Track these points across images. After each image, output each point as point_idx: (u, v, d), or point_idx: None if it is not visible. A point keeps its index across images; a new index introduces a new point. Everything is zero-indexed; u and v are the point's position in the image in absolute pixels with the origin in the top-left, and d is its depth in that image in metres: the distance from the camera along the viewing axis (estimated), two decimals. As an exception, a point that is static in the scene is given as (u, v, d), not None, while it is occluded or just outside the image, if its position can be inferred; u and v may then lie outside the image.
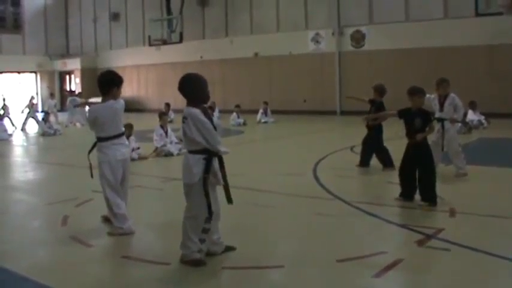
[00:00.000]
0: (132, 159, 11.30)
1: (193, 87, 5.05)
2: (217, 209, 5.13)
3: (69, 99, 25.30)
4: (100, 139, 6.18)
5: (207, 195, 4.89)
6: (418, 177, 7.25)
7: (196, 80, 5.09)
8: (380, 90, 10.23)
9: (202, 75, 5.15)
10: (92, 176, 6.49)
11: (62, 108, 31.65)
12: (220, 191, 5.13)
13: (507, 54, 20.81)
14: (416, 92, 7.39)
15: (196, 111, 4.95)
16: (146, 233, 6.37)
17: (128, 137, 12.01)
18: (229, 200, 5.07)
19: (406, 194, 7.35)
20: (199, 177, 4.91)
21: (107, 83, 6.22)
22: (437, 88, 9.26)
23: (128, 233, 6.11)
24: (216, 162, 5.00)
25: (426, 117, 7.32)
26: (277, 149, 14.60)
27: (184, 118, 4.97)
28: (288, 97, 26.76)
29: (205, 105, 5.14)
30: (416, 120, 7.28)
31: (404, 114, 7.44)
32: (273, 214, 7.15)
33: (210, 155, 4.94)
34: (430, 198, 7.10)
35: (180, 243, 5.10)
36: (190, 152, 5.01)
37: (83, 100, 24.00)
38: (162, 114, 13.97)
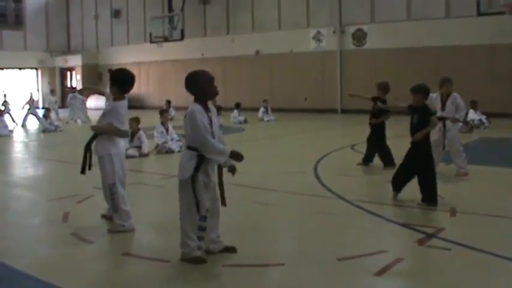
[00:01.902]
0: (133, 157, 11.44)
1: (198, 84, 5.05)
2: (216, 207, 5.14)
3: (69, 95, 25.31)
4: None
5: (194, 192, 4.86)
6: (417, 177, 7.25)
7: (201, 76, 5.09)
8: (384, 88, 10.22)
9: (207, 72, 5.16)
10: (83, 171, 6.25)
11: (63, 105, 31.64)
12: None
13: (508, 54, 20.79)
14: (416, 91, 7.34)
15: (195, 109, 4.93)
16: (147, 230, 6.37)
17: (136, 131, 12.23)
18: (223, 201, 5.07)
19: (394, 185, 7.40)
20: (190, 174, 4.88)
21: (132, 83, 6.23)
22: (441, 87, 9.27)
23: (129, 231, 6.10)
24: (210, 161, 4.98)
25: (424, 113, 7.24)
26: (278, 147, 14.59)
27: (186, 115, 4.98)
28: (289, 95, 26.77)
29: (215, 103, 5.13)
30: (414, 116, 7.29)
31: (411, 110, 7.42)
32: (273, 212, 7.15)
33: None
34: (430, 198, 7.08)
35: (179, 241, 5.10)
36: (187, 147, 5.02)
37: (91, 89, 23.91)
38: (163, 112, 14.00)
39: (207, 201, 5.01)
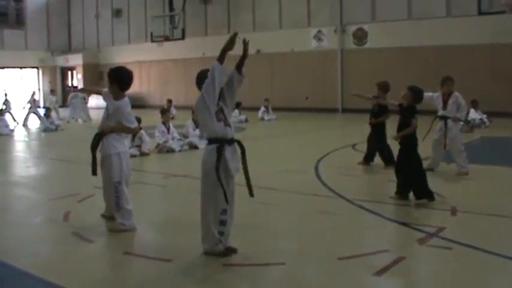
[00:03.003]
0: (134, 156, 11.44)
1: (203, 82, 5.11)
2: (232, 207, 5.18)
3: (70, 94, 25.32)
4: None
5: (220, 182, 4.94)
6: (405, 174, 7.33)
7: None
8: (384, 87, 10.22)
9: None
10: (95, 172, 6.24)
11: (64, 104, 31.67)
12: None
13: (509, 53, 20.76)
14: (410, 90, 7.42)
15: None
16: (148, 229, 6.38)
17: (137, 132, 12.22)
18: (250, 192, 5.16)
19: (397, 190, 7.42)
20: (212, 166, 4.96)
21: (131, 81, 6.25)
22: (442, 86, 9.27)
23: (130, 230, 6.10)
24: (227, 153, 5.04)
25: (407, 114, 7.31)
26: (279, 147, 14.59)
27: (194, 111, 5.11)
28: (289, 94, 26.75)
29: None
30: (400, 116, 7.42)
31: (400, 109, 7.54)
32: (274, 211, 7.16)
33: (222, 143, 5.01)
34: (424, 195, 7.13)
35: (201, 237, 5.15)
36: (207, 141, 5.16)
37: (89, 90, 23.86)
38: (165, 111, 13.98)
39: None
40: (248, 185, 5.13)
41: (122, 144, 6.20)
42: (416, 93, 7.38)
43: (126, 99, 6.23)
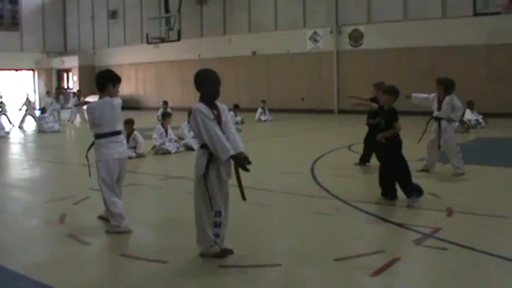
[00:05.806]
0: (130, 157, 11.42)
1: (203, 84, 5.11)
2: (227, 209, 5.17)
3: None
4: (97, 136, 6.17)
5: (206, 189, 4.94)
6: (393, 176, 7.33)
7: (207, 77, 5.15)
8: (382, 88, 10.22)
9: (215, 73, 5.18)
10: (90, 174, 6.53)
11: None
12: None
13: (505, 53, 20.86)
14: (387, 92, 7.47)
15: (197, 107, 5.01)
16: (144, 231, 6.37)
17: (130, 133, 12.22)
18: (242, 196, 5.10)
19: (382, 192, 7.42)
20: (203, 171, 4.96)
21: (102, 80, 6.22)
22: (439, 86, 9.27)
23: (126, 232, 6.11)
24: (219, 159, 5.01)
25: (389, 118, 7.32)
26: (275, 148, 14.60)
27: (190, 113, 5.09)
28: (285, 96, 26.80)
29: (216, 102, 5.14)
30: (382, 120, 7.44)
31: (381, 111, 7.54)
32: (270, 212, 7.16)
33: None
34: (412, 192, 7.12)
35: (196, 238, 5.16)
36: (199, 146, 5.12)
37: (82, 100, 24.09)
38: (169, 115, 13.94)
39: (220, 197, 5.07)
40: (240, 189, 5.08)
41: (100, 153, 6.14)
42: (393, 92, 7.43)
43: (105, 99, 6.18)
